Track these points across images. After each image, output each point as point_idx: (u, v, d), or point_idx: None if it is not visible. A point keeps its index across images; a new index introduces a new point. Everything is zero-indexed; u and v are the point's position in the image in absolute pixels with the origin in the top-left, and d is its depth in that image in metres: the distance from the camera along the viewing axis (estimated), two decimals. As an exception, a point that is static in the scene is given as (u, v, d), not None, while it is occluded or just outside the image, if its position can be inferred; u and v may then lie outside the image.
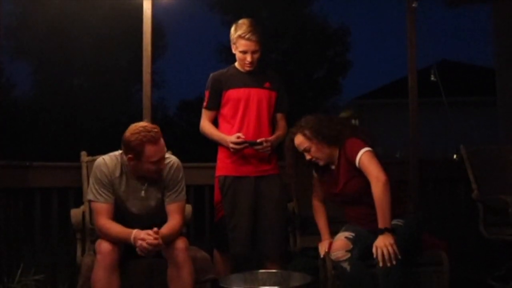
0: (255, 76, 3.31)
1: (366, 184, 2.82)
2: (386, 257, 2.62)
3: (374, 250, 2.68)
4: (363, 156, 2.83)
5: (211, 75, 3.39)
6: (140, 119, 3.99)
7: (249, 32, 3.17)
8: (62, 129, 15.49)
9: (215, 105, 3.35)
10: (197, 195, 4.07)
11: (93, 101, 16.28)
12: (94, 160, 3.21)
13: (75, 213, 3.22)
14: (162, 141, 2.76)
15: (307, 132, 2.95)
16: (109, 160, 2.85)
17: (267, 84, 3.32)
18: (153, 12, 4.16)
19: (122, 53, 15.95)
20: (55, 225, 3.87)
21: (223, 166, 3.31)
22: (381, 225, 2.71)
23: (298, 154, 3.01)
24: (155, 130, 2.74)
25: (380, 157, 2.92)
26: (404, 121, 4.27)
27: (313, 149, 2.95)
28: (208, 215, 4.17)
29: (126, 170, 2.83)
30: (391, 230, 2.69)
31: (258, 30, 3.22)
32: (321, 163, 2.98)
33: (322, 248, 2.97)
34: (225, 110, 3.32)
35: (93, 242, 2.96)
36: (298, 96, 17.43)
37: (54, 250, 3.74)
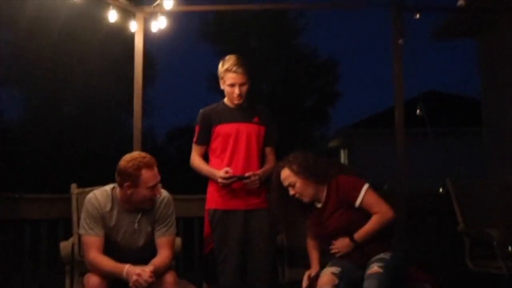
0: (244, 111, 3.37)
1: (357, 218, 2.88)
2: (335, 250, 2.88)
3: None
4: (367, 195, 2.90)
5: (201, 110, 3.45)
6: (129, 147, 4.04)
7: (235, 65, 3.25)
8: (50, 157, 15.41)
9: (205, 140, 3.40)
10: (187, 227, 4.09)
11: (83, 129, 16.27)
12: (84, 192, 3.25)
13: (65, 246, 3.22)
14: (157, 169, 2.82)
15: (294, 167, 2.97)
16: (99, 194, 2.88)
17: (256, 119, 3.37)
18: (145, 45, 4.25)
19: (113, 82, 15.99)
20: (44, 256, 3.86)
21: (213, 199, 3.35)
22: (356, 236, 2.87)
23: (283, 189, 3.03)
24: (149, 156, 2.83)
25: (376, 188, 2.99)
26: (392, 150, 4.32)
27: (298, 184, 2.97)
28: (198, 248, 4.18)
29: (117, 203, 2.86)
30: (357, 244, 2.87)
31: (244, 63, 3.30)
32: (305, 199, 2.99)
33: (306, 276, 2.98)
34: (215, 145, 3.37)
35: (82, 274, 2.96)
36: (288, 126, 17.55)
37: (43, 282, 3.72)
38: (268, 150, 3.44)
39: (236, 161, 3.30)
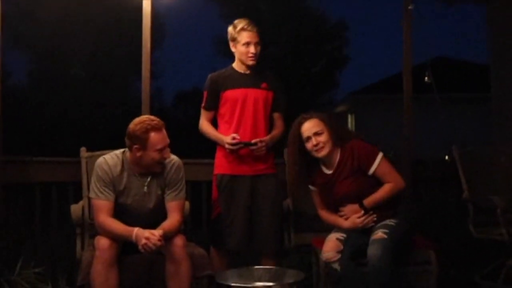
0: (253, 77, 3.38)
1: (367, 185, 2.95)
2: (344, 212, 2.94)
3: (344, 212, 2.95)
4: (381, 164, 2.95)
5: (209, 76, 3.45)
6: (138, 110, 4.07)
7: (250, 24, 3.30)
8: (58, 120, 15.47)
9: (213, 106, 3.42)
10: (195, 191, 4.15)
11: (90, 91, 16.25)
12: (93, 156, 3.29)
13: (75, 209, 3.28)
14: (165, 132, 2.86)
15: (323, 117, 3.02)
16: (109, 158, 2.93)
17: (264, 85, 3.38)
18: (153, 8, 4.22)
19: (120, 44, 15.91)
20: (54, 219, 3.94)
21: (221, 164, 3.40)
22: (366, 202, 2.92)
23: (301, 143, 3.02)
24: (158, 119, 2.87)
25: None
26: (399, 116, 4.33)
27: (324, 135, 2.98)
28: (205, 211, 4.25)
29: (127, 167, 2.91)
30: (366, 209, 2.92)
31: (256, 25, 3.35)
32: (323, 153, 2.97)
33: (354, 222, 2.95)
34: (223, 110, 3.39)
35: (92, 237, 3.03)
36: (295, 90, 17.47)
37: (54, 244, 3.81)
38: (276, 115, 3.45)
39: (244, 126, 3.33)
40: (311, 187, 3.15)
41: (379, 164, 2.94)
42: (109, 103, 16.27)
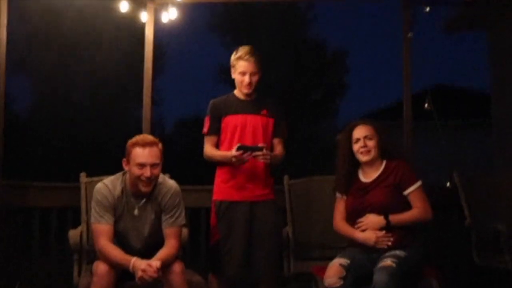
0: (253, 103, 3.38)
1: (397, 203, 2.98)
2: (364, 222, 2.94)
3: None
4: (418, 189, 3.03)
5: (211, 101, 3.45)
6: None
7: (248, 54, 3.29)
8: (59, 146, 15.48)
9: (216, 130, 3.40)
10: (194, 217, 4.11)
11: (92, 118, 16.33)
12: (92, 182, 3.29)
13: (73, 234, 3.26)
14: (154, 149, 2.84)
15: (375, 126, 3.12)
16: (109, 182, 2.93)
17: (264, 111, 3.37)
18: (155, 36, 4.26)
19: (123, 71, 16.03)
20: (53, 244, 3.90)
21: (220, 190, 3.37)
22: (391, 218, 2.93)
23: (350, 147, 3.10)
24: (150, 137, 2.90)
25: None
26: (400, 144, 4.32)
27: (374, 140, 3.07)
28: (204, 238, 4.21)
29: (126, 188, 2.90)
30: (389, 223, 2.92)
31: (257, 54, 3.34)
32: (367, 157, 3.05)
33: (369, 236, 2.94)
34: (223, 136, 3.38)
35: (90, 263, 3.00)
36: (296, 118, 17.53)
37: (51, 270, 3.77)
38: (276, 141, 3.42)
39: (249, 179, 3.30)
40: (338, 194, 3.18)
41: (416, 189, 3.02)
42: (110, 130, 16.31)
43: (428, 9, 4.12)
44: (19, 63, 16.24)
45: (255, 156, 3.18)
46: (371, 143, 3.07)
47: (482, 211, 3.86)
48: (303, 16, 20.85)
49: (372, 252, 2.91)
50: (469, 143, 13.49)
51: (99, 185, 2.92)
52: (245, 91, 3.33)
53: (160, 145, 2.90)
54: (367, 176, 3.11)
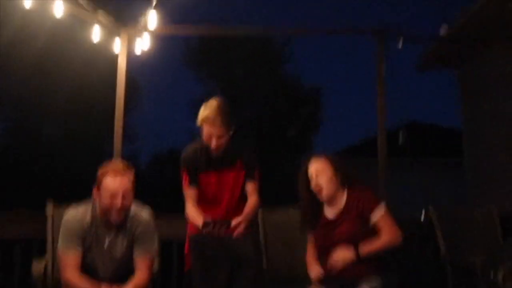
0: (226, 157, 3.21)
1: (364, 233, 2.87)
2: (334, 262, 2.82)
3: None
4: (385, 214, 2.91)
5: (182, 155, 3.29)
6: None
7: (213, 115, 3.07)
8: (29, 180, 15.17)
9: (195, 182, 3.24)
10: (165, 249, 3.99)
11: (63, 151, 16.10)
12: (60, 208, 3.16)
13: (37, 266, 3.13)
14: (126, 178, 2.72)
15: (329, 159, 2.98)
16: (78, 210, 2.82)
17: (238, 163, 3.23)
18: (127, 66, 4.23)
19: (96, 104, 15.93)
20: (17, 276, 3.75)
21: (193, 226, 3.23)
22: (361, 249, 2.81)
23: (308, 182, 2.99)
24: (122, 165, 2.77)
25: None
26: (374, 180, 4.32)
27: (328, 176, 2.94)
28: (176, 270, 4.10)
29: (95, 217, 2.79)
30: (359, 256, 2.80)
31: (225, 113, 3.11)
32: (324, 193, 2.94)
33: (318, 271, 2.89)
34: (199, 191, 3.25)
35: (55, 296, 2.87)
36: (271, 153, 17.55)
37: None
38: (249, 186, 3.25)
39: (220, 207, 3.23)
40: (309, 234, 3.07)
41: (381, 214, 2.90)
42: (81, 163, 16.05)
43: (400, 46, 4.19)
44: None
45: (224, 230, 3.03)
46: (322, 180, 2.93)
47: (457, 244, 3.86)
48: (279, 52, 21.16)
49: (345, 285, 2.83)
50: (443, 180, 13.64)
51: (69, 213, 2.81)
52: (213, 152, 3.17)
53: (132, 172, 2.79)
54: (331, 212, 3.00)
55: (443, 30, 4.03)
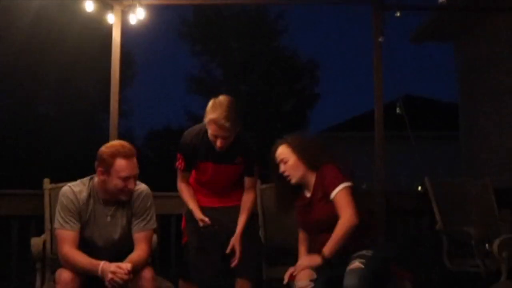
0: (227, 151, 3.12)
1: (336, 212, 2.83)
2: (294, 273, 2.77)
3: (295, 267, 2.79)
4: (340, 193, 2.83)
5: (183, 138, 3.22)
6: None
7: (223, 119, 2.94)
8: (25, 158, 15.16)
9: (190, 168, 3.23)
10: (163, 224, 4.02)
11: (59, 130, 16.04)
12: (57, 188, 3.16)
13: (36, 242, 3.12)
14: (135, 160, 2.72)
15: (291, 143, 2.95)
16: (75, 186, 2.80)
17: (238, 159, 3.18)
18: (122, 39, 4.18)
19: (90, 81, 15.82)
20: (14, 254, 3.76)
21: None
22: (325, 250, 2.76)
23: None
24: (130, 147, 2.74)
25: (357, 190, 2.92)
26: (370, 154, 4.33)
27: (290, 162, 2.93)
28: (174, 245, 4.13)
29: (93, 194, 2.78)
30: (327, 261, 2.75)
31: (234, 115, 2.98)
32: (292, 180, 2.95)
33: (288, 272, 2.87)
34: (197, 173, 3.25)
35: (54, 272, 2.86)
36: (267, 128, 17.54)
37: (13, 280, 3.62)
38: (248, 181, 3.23)
39: (217, 194, 3.25)
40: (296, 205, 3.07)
41: (338, 192, 2.83)
42: (77, 141, 16.03)
43: (398, 13, 4.14)
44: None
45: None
46: (288, 166, 2.91)
47: (452, 216, 3.90)
48: (274, 25, 20.98)
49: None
50: (439, 153, 13.69)
51: (65, 189, 2.79)
52: (218, 150, 3.09)
53: (136, 153, 2.78)
54: (307, 192, 3.00)
55: (440, 0, 3.99)
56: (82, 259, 2.64)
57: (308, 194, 2.99)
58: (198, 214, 3.12)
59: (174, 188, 3.38)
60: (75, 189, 2.77)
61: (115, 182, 2.69)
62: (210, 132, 3.03)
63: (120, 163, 2.67)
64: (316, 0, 4.98)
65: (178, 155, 3.22)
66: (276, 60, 20.16)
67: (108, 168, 2.68)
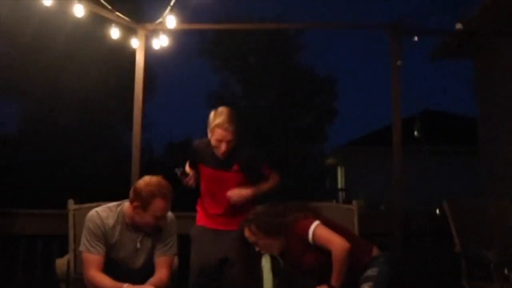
0: (226, 160, 3.35)
1: (322, 255, 2.83)
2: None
3: None
4: (315, 231, 2.84)
5: (193, 142, 3.52)
6: (127, 161, 4.03)
7: (227, 122, 3.23)
8: (47, 171, 15.30)
9: (194, 165, 3.47)
10: (183, 244, 4.06)
11: (80, 143, 16.21)
12: (81, 209, 3.24)
13: (60, 263, 3.20)
14: (170, 198, 2.79)
15: (252, 227, 2.96)
16: (101, 211, 2.87)
17: (235, 167, 3.36)
18: (145, 62, 4.27)
19: (111, 95, 16.03)
20: (38, 273, 3.84)
21: (199, 218, 3.49)
22: (333, 282, 2.76)
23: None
24: (168, 187, 2.79)
25: (327, 223, 2.92)
26: (388, 169, 4.31)
27: (260, 242, 2.97)
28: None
29: (121, 220, 2.85)
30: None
31: (235, 119, 3.29)
32: (275, 252, 3.02)
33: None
34: (202, 181, 3.44)
35: (77, 291, 2.95)
36: (285, 143, 17.56)
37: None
38: (266, 176, 3.42)
39: (219, 201, 3.38)
40: None
41: (313, 234, 2.84)
42: (98, 154, 16.18)
43: (416, 38, 4.17)
44: (6, 88, 16.18)
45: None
46: (262, 247, 2.99)
47: (471, 238, 3.86)
48: (293, 42, 21.06)
49: None
50: (458, 168, 13.58)
51: (92, 214, 2.86)
52: (221, 156, 3.32)
53: None
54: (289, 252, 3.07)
55: (457, 26, 4.00)
56: (107, 282, 2.71)
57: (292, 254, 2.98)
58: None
59: (192, 205, 3.51)
60: (102, 214, 2.84)
61: (148, 220, 2.77)
62: (214, 138, 3.26)
63: (159, 203, 2.74)
64: (334, 24, 5.02)
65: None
66: (295, 75, 20.21)
67: (145, 206, 2.74)
